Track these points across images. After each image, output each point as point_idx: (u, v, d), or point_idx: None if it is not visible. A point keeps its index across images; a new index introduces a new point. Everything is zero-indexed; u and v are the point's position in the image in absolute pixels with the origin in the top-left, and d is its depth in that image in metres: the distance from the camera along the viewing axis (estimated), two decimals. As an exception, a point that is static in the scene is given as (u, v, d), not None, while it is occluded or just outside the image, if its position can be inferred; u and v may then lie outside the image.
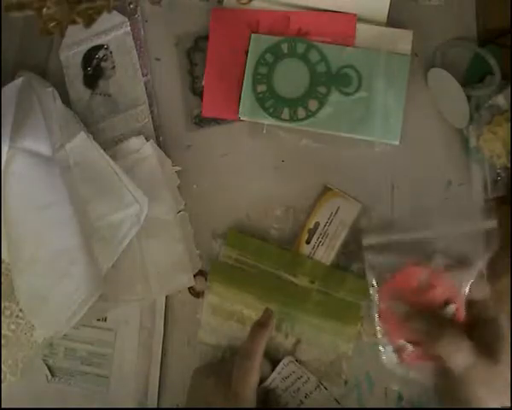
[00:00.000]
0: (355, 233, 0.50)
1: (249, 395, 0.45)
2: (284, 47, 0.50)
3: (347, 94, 0.50)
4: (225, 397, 0.45)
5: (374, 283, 0.44)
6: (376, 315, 0.44)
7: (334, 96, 0.50)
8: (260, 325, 0.48)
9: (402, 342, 0.43)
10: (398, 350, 0.43)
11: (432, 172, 0.51)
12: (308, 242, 0.50)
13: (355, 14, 0.50)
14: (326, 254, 0.50)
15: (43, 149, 0.47)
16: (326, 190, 0.51)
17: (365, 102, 0.49)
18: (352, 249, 0.50)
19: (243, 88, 0.51)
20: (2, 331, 0.50)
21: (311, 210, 0.51)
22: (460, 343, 0.40)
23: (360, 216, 0.50)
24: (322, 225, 0.50)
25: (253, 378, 0.45)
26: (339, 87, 0.50)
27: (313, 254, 0.50)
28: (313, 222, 0.50)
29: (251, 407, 0.45)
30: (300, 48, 0.50)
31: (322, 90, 0.50)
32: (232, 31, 0.51)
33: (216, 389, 0.46)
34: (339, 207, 0.50)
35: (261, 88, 0.50)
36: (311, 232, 0.50)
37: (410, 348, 0.42)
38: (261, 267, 0.50)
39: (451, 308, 0.42)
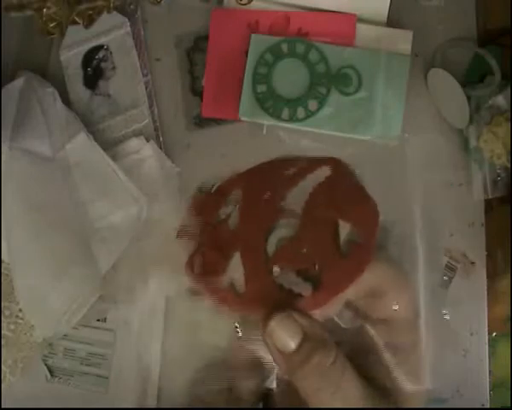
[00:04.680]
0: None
1: (248, 395, 0.45)
2: (284, 47, 0.50)
3: (347, 94, 0.50)
4: (226, 398, 0.45)
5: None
6: None
7: (334, 97, 0.50)
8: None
9: None
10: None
11: (432, 173, 0.51)
12: None
13: (355, 15, 0.50)
14: None
15: (43, 149, 0.47)
16: None
17: (365, 102, 0.49)
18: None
19: (243, 88, 0.51)
20: (2, 331, 0.50)
21: None
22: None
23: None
24: None
25: (255, 379, 0.45)
26: (339, 87, 0.50)
27: None
28: None
29: (251, 408, 0.45)
30: (300, 48, 0.50)
31: (322, 90, 0.50)
32: (232, 31, 0.51)
33: (216, 390, 0.46)
34: None
35: (261, 88, 0.50)
36: None
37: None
38: None
39: None
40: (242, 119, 0.51)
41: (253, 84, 0.50)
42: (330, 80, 0.50)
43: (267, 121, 0.51)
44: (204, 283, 0.35)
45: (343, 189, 0.34)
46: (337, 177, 0.35)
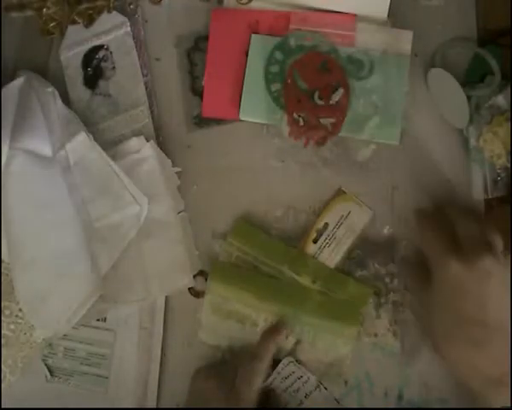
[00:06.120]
0: (363, 240, 0.50)
1: (251, 396, 0.45)
2: (292, 42, 0.50)
3: (360, 78, 0.49)
4: (226, 397, 0.45)
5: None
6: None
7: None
8: (273, 331, 0.48)
9: (296, 116, 0.48)
10: (291, 123, 0.49)
11: (432, 173, 0.51)
12: (315, 241, 0.50)
13: (355, 14, 0.50)
14: (331, 256, 0.50)
15: (43, 149, 0.47)
16: (340, 192, 0.51)
17: (365, 102, 0.49)
18: (357, 256, 0.50)
19: (244, 88, 0.51)
20: (2, 331, 0.50)
21: (322, 210, 0.50)
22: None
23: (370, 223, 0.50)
24: (330, 227, 0.50)
25: (258, 380, 0.46)
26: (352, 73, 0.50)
27: (318, 255, 0.50)
28: (322, 222, 0.50)
29: (251, 408, 0.45)
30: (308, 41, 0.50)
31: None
32: (232, 31, 0.51)
33: (217, 390, 0.46)
34: (350, 212, 0.50)
35: (275, 86, 0.50)
36: (320, 232, 0.50)
37: (301, 121, 0.48)
38: (264, 261, 0.50)
39: (340, 92, 0.48)
40: (243, 119, 0.51)
41: (266, 84, 0.50)
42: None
43: (267, 122, 0.51)
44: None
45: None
46: None
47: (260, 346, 0.48)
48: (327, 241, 0.50)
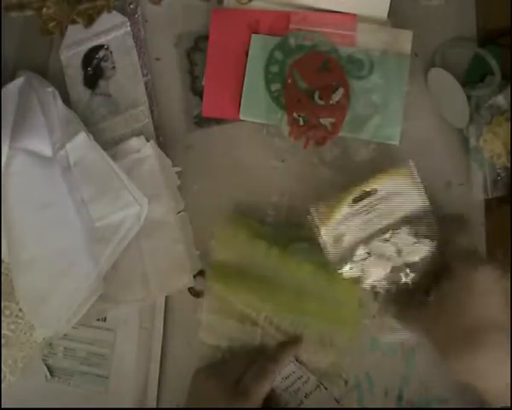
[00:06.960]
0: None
1: (259, 396, 0.45)
2: (292, 42, 0.50)
3: (361, 78, 0.49)
4: (231, 395, 0.45)
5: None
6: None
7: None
8: (293, 343, 0.49)
9: (296, 116, 0.48)
10: (291, 123, 0.49)
11: (432, 173, 0.51)
12: (355, 201, 0.46)
13: (355, 14, 0.50)
14: (358, 228, 0.47)
15: (43, 149, 0.47)
16: (406, 166, 0.47)
17: (365, 102, 0.49)
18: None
19: (244, 88, 0.51)
20: (2, 331, 0.50)
21: (379, 174, 0.47)
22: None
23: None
24: (377, 196, 0.46)
25: (269, 382, 0.46)
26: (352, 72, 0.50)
27: (346, 220, 0.47)
28: (372, 186, 0.46)
29: (252, 407, 0.45)
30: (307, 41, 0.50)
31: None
32: (232, 31, 0.51)
33: (217, 390, 0.46)
34: (402, 192, 0.46)
35: (275, 86, 0.50)
36: (363, 196, 0.46)
37: (301, 121, 0.48)
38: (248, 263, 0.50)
39: (340, 92, 0.48)
40: (243, 119, 0.51)
41: (266, 84, 0.50)
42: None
43: (268, 122, 0.51)
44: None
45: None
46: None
47: (279, 350, 0.48)
48: (365, 208, 0.46)
